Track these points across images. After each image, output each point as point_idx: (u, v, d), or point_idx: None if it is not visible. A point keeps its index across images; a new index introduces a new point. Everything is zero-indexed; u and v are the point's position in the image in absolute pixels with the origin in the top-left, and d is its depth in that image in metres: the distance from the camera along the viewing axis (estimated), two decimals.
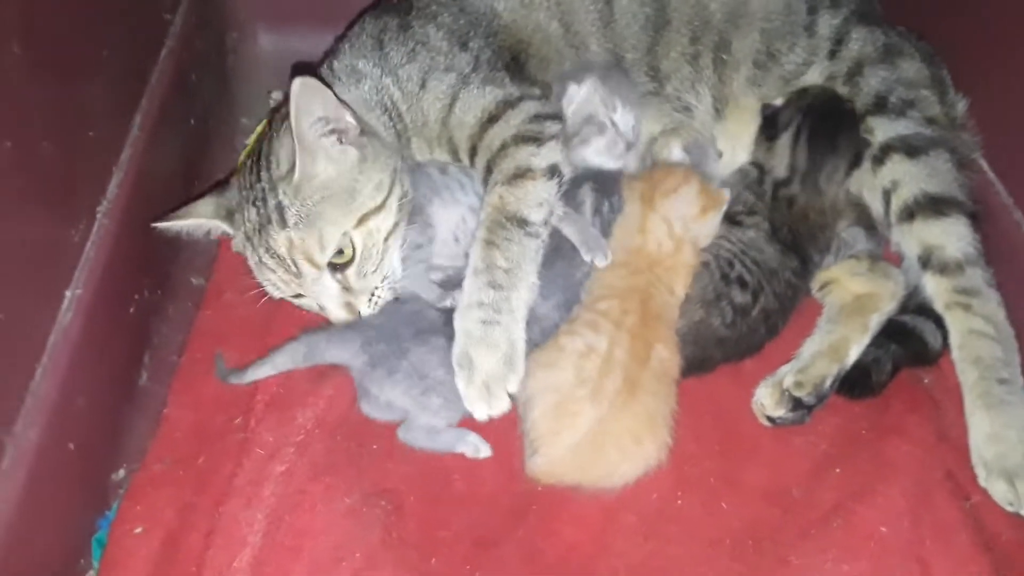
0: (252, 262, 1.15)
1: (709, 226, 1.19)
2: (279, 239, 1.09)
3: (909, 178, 1.26)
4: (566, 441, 1.05)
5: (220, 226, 1.19)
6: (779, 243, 1.23)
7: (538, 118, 1.19)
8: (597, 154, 1.23)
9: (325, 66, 1.27)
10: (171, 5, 1.45)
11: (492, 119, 1.19)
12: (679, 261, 1.16)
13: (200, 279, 1.35)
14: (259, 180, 1.13)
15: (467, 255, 1.16)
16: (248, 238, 1.13)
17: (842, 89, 1.33)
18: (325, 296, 1.12)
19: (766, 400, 1.17)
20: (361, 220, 1.11)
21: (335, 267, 1.11)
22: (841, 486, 1.10)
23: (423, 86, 1.22)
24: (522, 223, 1.12)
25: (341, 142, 1.11)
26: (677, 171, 1.23)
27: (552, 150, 1.17)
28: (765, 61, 1.35)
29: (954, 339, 1.20)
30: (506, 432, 1.12)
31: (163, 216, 1.18)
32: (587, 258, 1.16)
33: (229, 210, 1.18)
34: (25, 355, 0.99)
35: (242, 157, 1.52)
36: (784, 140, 1.27)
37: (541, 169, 1.15)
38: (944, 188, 1.25)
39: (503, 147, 1.17)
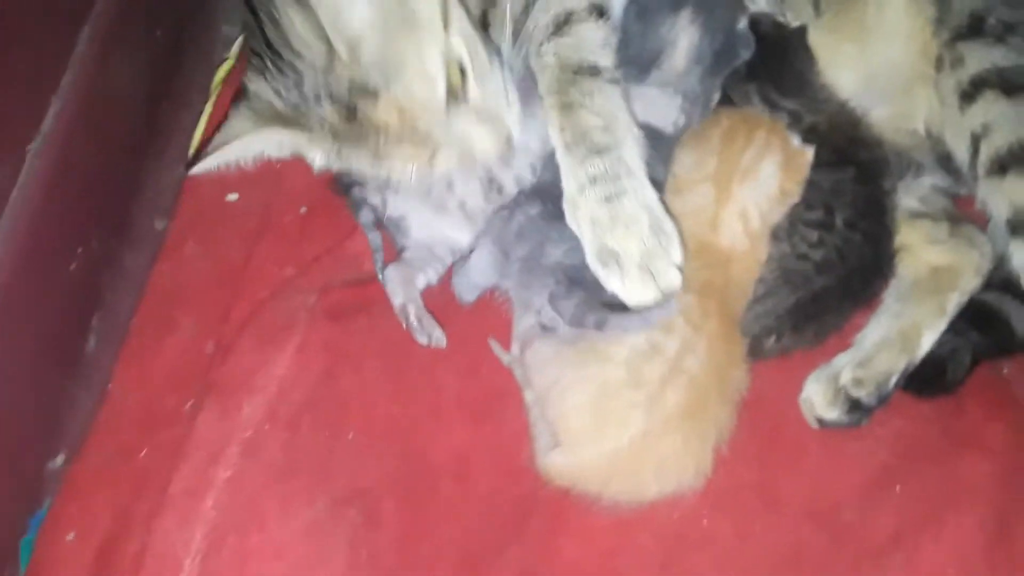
0: (362, 164, 0.92)
1: (789, 205, 0.96)
2: (382, 111, 0.86)
3: (1004, 121, 1.01)
4: (601, 447, 0.87)
5: (279, 138, 0.92)
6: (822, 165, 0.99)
7: None
8: None
9: None
10: None
11: None
12: (755, 259, 0.94)
13: (164, 221, 1.17)
14: (297, 72, 0.89)
15: None
16: (340, 136, 0.90)
17: (929, 7, 1.09)
18: (469, 136, 0.89)
19: (817, 398, 0.98)
20: (445, 20, 0.87)
21: (455, 95, 0.88)
22: (902, 509, 0.92)
23: None
24: (594, 71, 0.92)
25: None
26: (756, 128, 0.96)
27: None
28: None
29: None
30: (505, 423, 0.95)
31: (196, 158, 0.94)
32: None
33: (280, 115, 0.92)
34: None
35: (220, 74, 1.33)
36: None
37: (583, 8, 0.94)
38: None
39: (526, 5, 0.96)
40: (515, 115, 0.91)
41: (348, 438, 0.95)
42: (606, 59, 0.93)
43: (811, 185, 0.96)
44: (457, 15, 0.87)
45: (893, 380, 0.98)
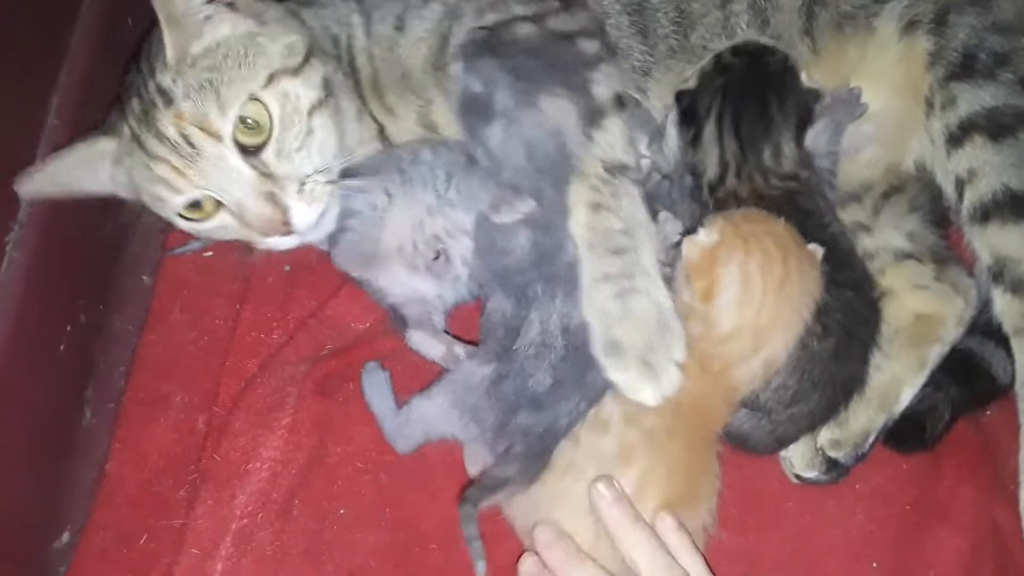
0: (140, 172, 0.93)
1: None
2: (166, 117, 0.89)
3: (990, 168, 0.99)
4: None
5: (98, 148, 0.96)
6: None
7: (566, 39, 0.97)
8: None
9: None
10: None
11: None
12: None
13: (151, 277, 1.18)
14: (139, 71, 0.93)
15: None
16: (135, 136, 0.92)
17: (925, 40, 1.05)
18: (236, 185, 0.90)
19: (796, 457, 1.00)
20: (272, 78, 0.91)
21: (246, 150, 0.90)
22: None
23: (400, 28, 0.99)
24: (622, 169, 0.94)
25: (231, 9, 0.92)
26: (784, 244, 0.89)
27: (605, 74, 0.96)
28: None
29: (1020, 372, 0.99)
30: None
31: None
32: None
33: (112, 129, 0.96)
34: None
35: None
36: (709, 132, 1.00)
37: (606, 101, 0.95)
38: None
39: None
40: (310, 213, 0.92)
41: (339, 514, 0.98)
42: (630, 157, 0.95)
43: None
44: (300, 91, 0.92)
45: (871, 439, 1.00)
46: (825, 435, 0.99)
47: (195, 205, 0.93)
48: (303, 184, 0.92)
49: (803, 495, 1.01)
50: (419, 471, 1.01)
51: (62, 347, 1.03)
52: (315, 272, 1.10)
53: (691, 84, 1.03)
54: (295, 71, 0.93)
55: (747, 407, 0.93)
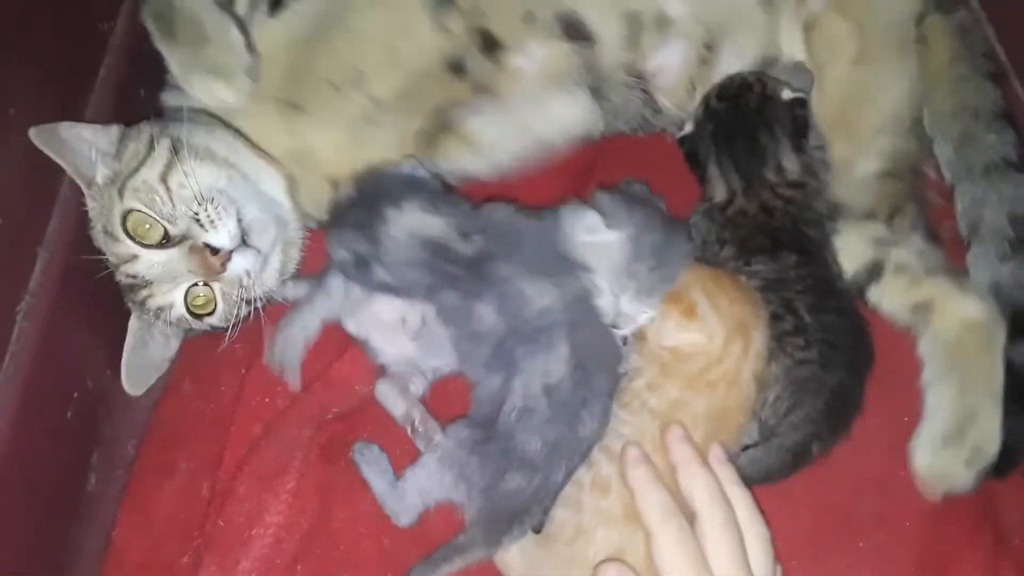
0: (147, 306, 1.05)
1: None
2: (113, 250, 1.03)
3: None
4: None
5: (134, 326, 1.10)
6: (759, 253, 1.05)
7: None
8: None
9: None
10: (107, 11, 1.23)
11: None
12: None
13: None
14: None
15: None
16: (120, 287, 1.07)
17: None
18: (168, 264, 1.01)
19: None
20: (120, 189, 1.01)
21: (162, 243, 1.01)
22: None
23: None
24: None
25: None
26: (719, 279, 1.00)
27: None
28: None
29: None
30: None
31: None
32: None
33: None
34: None
35: None
36: (712, 171, 1.10)
37: None
38: None
39: None
40: (220, 232, 1.01)
41: None
42: None
43: (761, 285, 1.01)
44: (146, 175, 1.02)
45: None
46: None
47: (198, 303, 1.04)
48: (197, 219, 1.00)
49: (809, 554, 1.00)
50: (420, 535, 0.99)
51: (69, 413, 1.04)
52: (321, 333, 1.11)
53: (688, 129, 1.13)
54: (138, 165, 1.03)
55: (753, 443, 0.98)
